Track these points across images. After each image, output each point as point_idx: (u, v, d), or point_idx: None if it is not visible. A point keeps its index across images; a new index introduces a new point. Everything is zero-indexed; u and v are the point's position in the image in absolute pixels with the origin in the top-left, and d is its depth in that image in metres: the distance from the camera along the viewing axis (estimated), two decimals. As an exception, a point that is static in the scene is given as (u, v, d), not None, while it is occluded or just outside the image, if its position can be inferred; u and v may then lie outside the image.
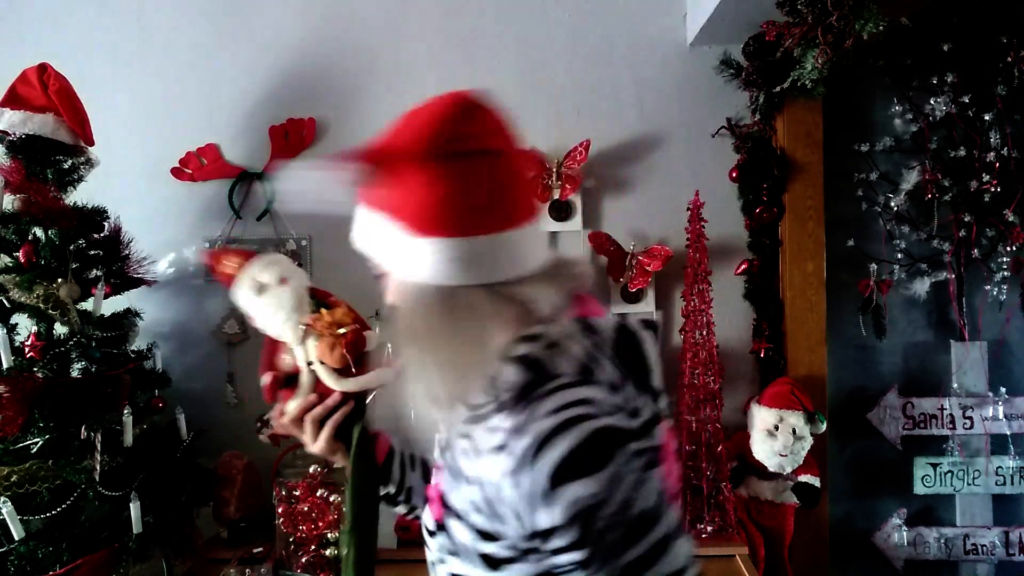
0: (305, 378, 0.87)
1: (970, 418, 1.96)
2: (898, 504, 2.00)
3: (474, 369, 0.65)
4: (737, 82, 1.88)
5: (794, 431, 1.70)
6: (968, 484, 1.97)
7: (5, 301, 1.52)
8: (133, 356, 1.69)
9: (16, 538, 1.36)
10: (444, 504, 0.73)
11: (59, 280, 1.51)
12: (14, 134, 1.52)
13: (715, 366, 1.77)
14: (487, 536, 0.66)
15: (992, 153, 1.89)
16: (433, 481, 0.80)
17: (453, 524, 0.70)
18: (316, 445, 0.87)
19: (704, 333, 1.78)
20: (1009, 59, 1.87)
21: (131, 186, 1.94)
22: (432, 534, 0.77)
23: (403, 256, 0.69)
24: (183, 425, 1.77)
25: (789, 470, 1.74)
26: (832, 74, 1.66)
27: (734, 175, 1.91)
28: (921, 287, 1.94)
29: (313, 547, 1.58)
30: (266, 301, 0.86)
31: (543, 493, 0.58)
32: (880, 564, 2.00)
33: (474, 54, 1.96)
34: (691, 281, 1.80)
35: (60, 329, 1.55)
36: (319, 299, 0.89)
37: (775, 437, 1.72)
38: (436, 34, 1.97)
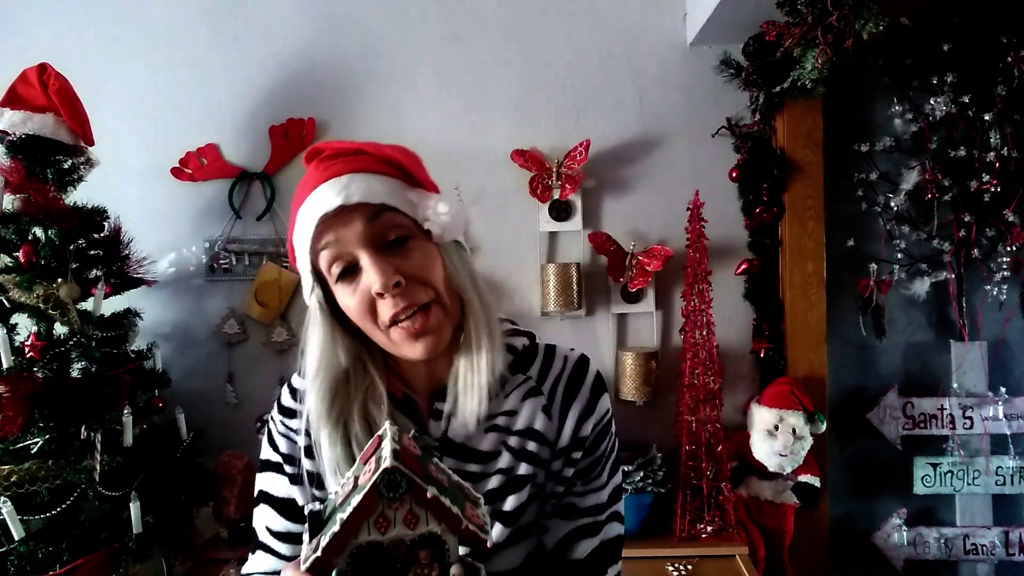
0: None
1: (970, 418, 1.96)
2: (898, 504, 2.00)
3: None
4: (737, 82, 1.88)
5: (794, 431, 1.71)
6: (968, 484, 1.97)
7: (5, 301, 1.52)
8: (133, 356, 1.69)
9: (16, 538, 1.36)
10: None
11: (59, 280, 1.51)
12: (14, 134, 1.52)
13: (715, 366, 1.77)
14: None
15: (992, 153, 1.89)
16: None
17: None
18: None
19: (704, 333, 1.78)
20: (1009, 59, 1.87)
21: (131, 186, 1.94)
22: None
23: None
24: (183, 425, 1.77)
25: (789, 470, 1.74)
26: (832, 74, 1.66)
27: (734, 175, 1.91)
28: (921, 287, 1.94)
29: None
30: None
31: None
32: (880, 564, 2.00)
33: (474, 54, 1.96)
34: (691, 281, 1.80)
35: (60, 329, 1.55)
36: None
37: (775, 437, 1.72)
38: (436, 34, 1.97)
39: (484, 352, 0.77)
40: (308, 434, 0.80)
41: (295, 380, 0.86)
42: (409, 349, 0.74)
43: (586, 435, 0.81)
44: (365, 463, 0.58)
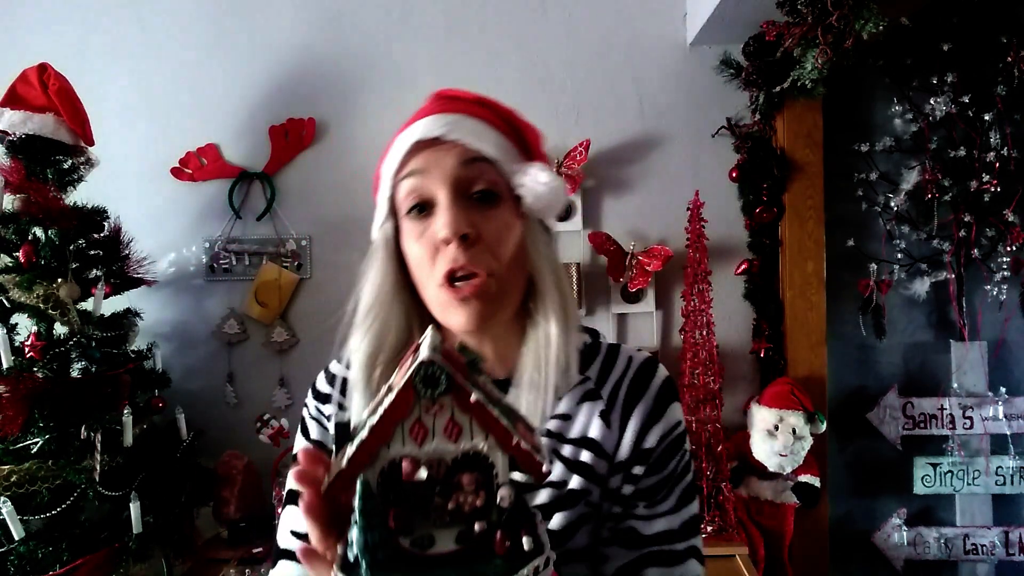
0: None
1: (970, 418, 1.96)
2: (898, 504, 2.00)
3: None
4: (737, 82, 1.88)
5: (794, 431, 1.70)
6: (968, 484, 1.97)
7: (5, 301, 1.52)
8: (133, 356, 1.69)
9: (16, 538, 1.36)
10: None
11: (59, 280, 1.51)
12: (14, 134, 1.52)
13: (715, 366, 1.77)
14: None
15: (992, 153, 1.89)
16: None
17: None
18: None
19: (704, 333, 1.78)
20: (1009, 59, 1.87)
21: (131, 186, 1.94)
22: None
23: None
24: (183, 425, 1.77)
25: (789, 470, 1.74)
26: (832, 74, 1.66)
27: (734, 175, 1.91)
28: (921, 287, 1.94)
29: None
30: None
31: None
32: (880, 564, 2.00)
33: (474, 54, 1.96)
34: (691, 281, 1.80)
35: (60, 329, 1.55)
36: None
37: (775, 437, 1.72)
38: (436, 34, 1.97)
39: (555, 347, 0.69)
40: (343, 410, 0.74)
41: (332, 366, 0.81)
42: (452, 315, 0.68)
43: (650, 447, 0.71)
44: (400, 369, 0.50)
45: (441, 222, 0.66)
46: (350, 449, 0.45)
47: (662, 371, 0.76)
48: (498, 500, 0.46)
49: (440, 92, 0.75)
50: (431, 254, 0.67)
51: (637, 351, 0.78)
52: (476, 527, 0.46)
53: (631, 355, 0.76)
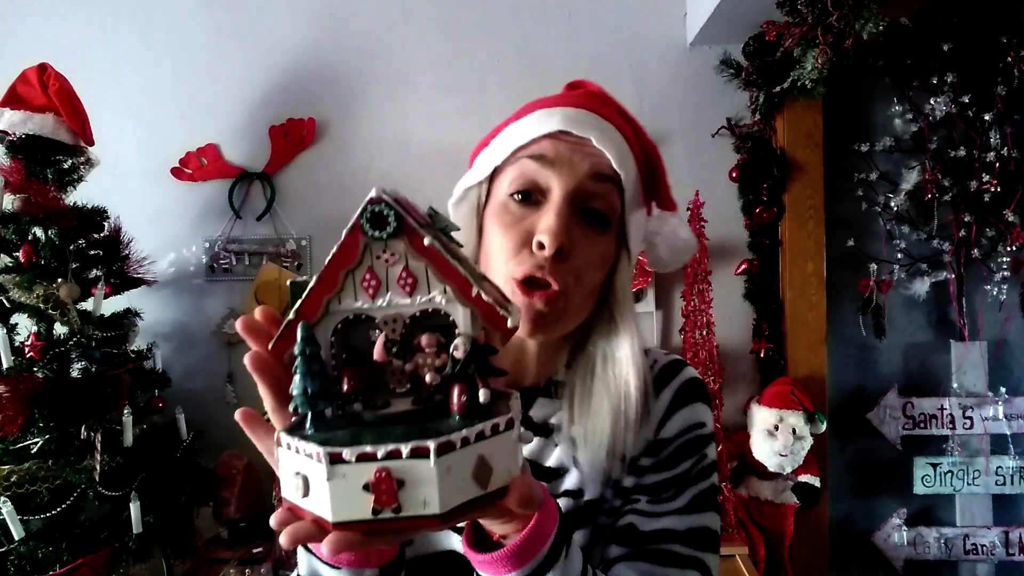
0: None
1: (970, 418, 1.96)
2: (898, 504, 2.00)
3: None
4: (737, 82, 1.88)
5: (794, 431, 1.70)
6: (968, 484, 1.97)
7: (5, 301, 1.52)
8: (133, 356, 1.69)
9: (16, 538, 1.36)
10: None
11: (59, 280, 1.51)
12: (14, 134, 1.52)
13: (715, 366, 1.77)
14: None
15: (992, 153, 1.89)
16: None
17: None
18: None
19: (704, 333, 1.78)
20: (1009, 59, 1.87)
21: (131, 186, 1.94)
22: None
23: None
24: (183, 425, 1.77)
25: (789, 470, 1.74)
26: (832, 74, 1.66)
27: (734, 175, 1.91)
28: (921, 287, 1.94)
29: (313, 547, 1.57)
30: None
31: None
32: (880, 564, 2.00)
33: (474, 54, 1.96)
34: (691, 281, 1.80)
35: (60, 329, 1.55)
36: None
37: (775, 437, 1.72)
38: (436, 34, 1.97)
39: (634, 400, 0.65)
40: None
41: None
42: None
43: (665, 438, 0.68)
44: None
45: (545, 225, 0.61)
46: (300, 302, 0.43)
47: (688, 372, 0.73)
48: (451, 350, 0.42)
49: (593, 87, 0.73)
50: (517, 246, 0.63)
51: (665, 353, 0.75)
52: (427, 378, 0.43)
53: (656, 358, 0.74)
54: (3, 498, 1.36)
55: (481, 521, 0.51)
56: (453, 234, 0.46)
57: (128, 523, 1.48)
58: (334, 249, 0.42)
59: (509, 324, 0.42)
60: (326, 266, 0.43)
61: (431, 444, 0.38)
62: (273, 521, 0.42)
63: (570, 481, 0.67)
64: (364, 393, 0.43)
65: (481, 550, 0.50)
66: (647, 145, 0.71)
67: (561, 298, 0.63)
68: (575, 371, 0.69)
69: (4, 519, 1.36)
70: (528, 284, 0.63)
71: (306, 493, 0.40)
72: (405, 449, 0.38)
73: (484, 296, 0.42)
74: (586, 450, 0.65)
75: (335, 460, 0.38)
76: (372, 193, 0.42)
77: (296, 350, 0.41)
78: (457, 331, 0.42)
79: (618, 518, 0.68)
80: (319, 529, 0.40)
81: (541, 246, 0.61)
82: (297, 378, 0.41)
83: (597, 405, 0.66)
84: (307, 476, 0.40)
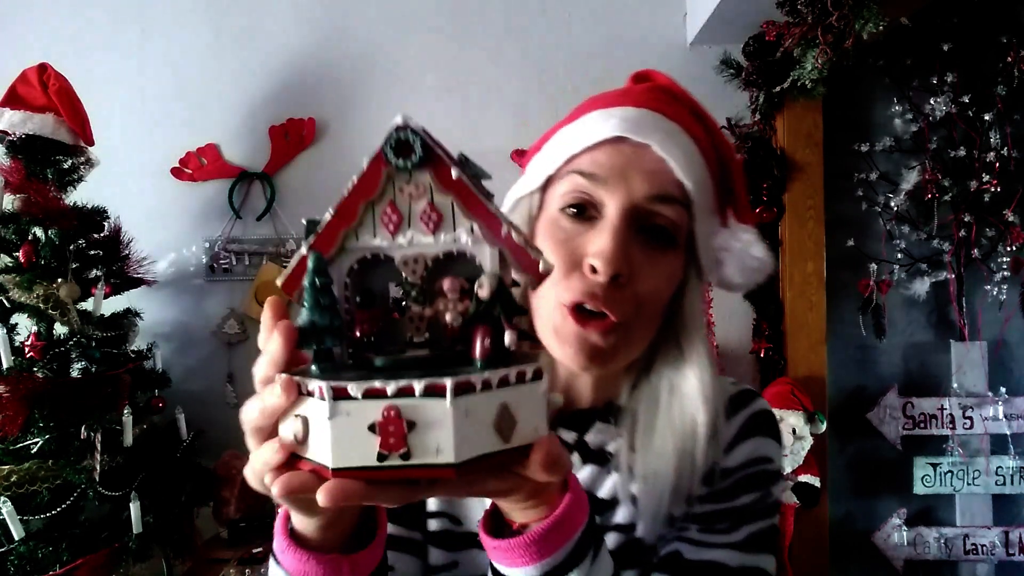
0: None
1: (970, 418, 1.96)
2: (898, 504, 2.00)
3: None
4: (737, 82, 1.88)
5: (794, 431, 1.70)
6: (968, 484, 1.97)
7: (5, 301, 1.52)
8: (133, 356, 1.69)
9: (16, 538, 1.36)
10: None
11: (59, 280, 1.51)
12: (14, 134, 1.52)
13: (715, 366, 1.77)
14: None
15: (992, 153, 1.89)
16: None
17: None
18: None
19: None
20: (1009, 59, 1.86)
21: (131, 186, 1.94)
22: None
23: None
24: (183, 425, 1.77)
25: (789, 470, 1.74)
26: (832, 74, 1.66)
27: (734, 175, 1.91)
28: (921, 287, 1.93)
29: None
30: None
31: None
32: (880, 564, 1.99)
33: (474, 54, 1.96)
34: (691, 281, 1.80)
35: (60, 329, 1.55)
36: None
37: (775, 437, 1.72)
38: (436, 34, 1.97)
39: (702, 414, 0.59)
40: None
41: None
42: (563, 344, 0.58)
43: (726, 468, 0.62)
44: None
45: (599, 248, 0.55)
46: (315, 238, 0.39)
47: (762, 403, 0.67)
48: (476, 287, 0.37)
49: (662, 79, 0.65)
50: (567, 267, 0.57)
51: (732, 382, 0.69)
52: (448, 318, 0.39)
53: (723, 387, 0.66)
54: (3, 498, 1.36)
55: (500, 504, 0.45)
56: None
57: (128, 523, 1.48)
58: (354, 178, 0.39)
59: (541, 268, 0.38)
60: (345, 196, 0.39)
61: (448, 382, 0.34)
62: (268, 477, 0.37)
63: (622, 515, 0.61)
64: (378, 339, 0.39)
65: (498, 536, 0.45)
66: (722, 147, 0.64)
67: (620, 329, 0.57)
68: (639, 399, 0.63)
69: (4, 519, 1.36)
70: (580, 311, 0.56)
71: (305, 439, 0.36)
72: (418, 386, 0.34)
73: (514, 236, 0.38)
74: (647, 491, 0.59)
75: (339, 396, 0.34)
76: (398, 119, 0.38)
77: (305, 281, 0.37)
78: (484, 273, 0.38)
79: (665, 545, 0.61)
80: (317, 479, 0.35)
81: (594, 270, 0.55)
82: (304, 311, 0.37)
83: (661, 444, 0.59)
84: (307, 418, 0.36)
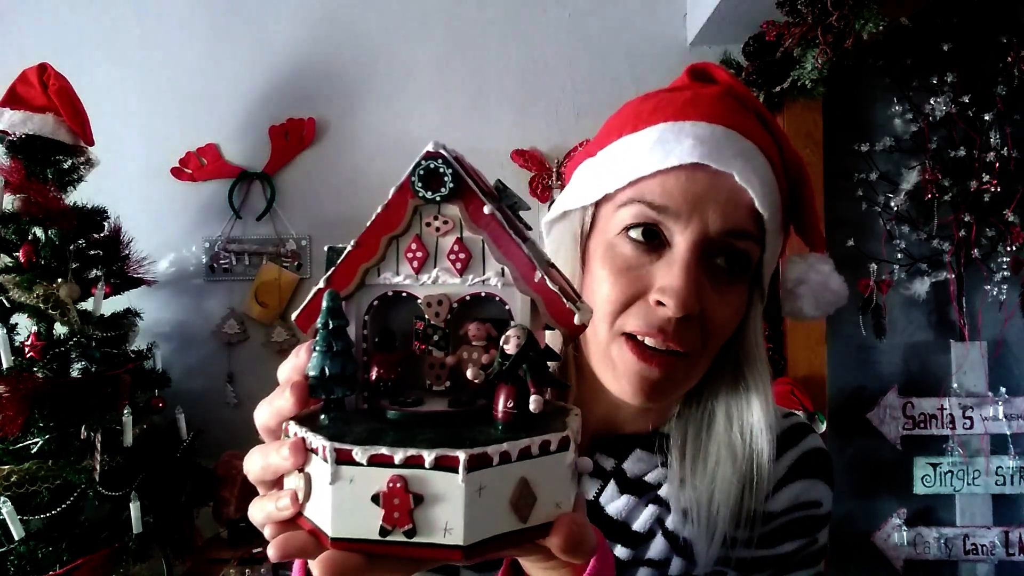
0: None
1: (970, 418, 1.96)
2: (898, 504, 1.99)
3: None
4: (737, 82, 1.88)
5: (794, 431, 1.70)
6: (968, 484, 1.97)
7: (5, 301, 1.52)
8: (133, 356, 1.69)
9: (16, 538, 1.36)
10: None
11: (59, 280, 1.51)
12: (14, 134, 1.52)
13: (715, 366, 1.77)
14: None
15: (992, 153, 1.89)
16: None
17: None
18: None
19: (704, 333, 1.78)
20: (1009, 59, 1.86)
21: (131, 186, 1.94)
22: None
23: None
24: (183, 425, 1.77)
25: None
26: (832, 74, 1.66)
27: (734, 175, 1.91)
28: (921, 287, 1.93)
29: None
30: None
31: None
32: (880, 564, 1.99)
33: (474, 54, 1.96)
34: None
35: (60, 329, 1.55)
36: None
37: (775, 437, 1.72)
38: (436, 34, 1.96)
39: (767, 445, 0.56)
40: None
41: None
42: (620, 377, 0.55)
43: (771, 512, 0.59)
44: None
45: (669, 284, 0.51)
46: (334, 270, 0.37)
47: (815, 440, 0.64)
48: (502, 342, 0.33)
49: (725, 78, 0.59)
50: (628, 297, 0.53)
51: (786, 415, 0.65)
52: (469, 374, 0.35)
53: (779, 419, 0.62)
54: (3, 498, 1.36)
55: (520, 561, 0.41)
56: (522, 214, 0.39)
57: (128, 523, 1.48)
58: (378, 209, 0.36)
59: (576, 320, 0.35)
60: (367, 228, 0.36)
61: (461, 455, 0.30)
62: (267, 532, 0.35)
63: (655, 549, 0.58)
64: (394, 385, 0.37)
65: None
66: (791, 163, 0.59)
67: (682, 364, 0.54)
68: (686, 425, 0.60)
69: (4, 519, 1.36)
70: (640, 344, 0.53)
71: (307, 496, 0.34)
72: (429, 457, 0.31)
73: (549, 284, 0.35)
74: (696, 518, 0.56)
75: (342, 459, 0.32)
76: (429, 146, 0.35)
77: (318, 322, 0.35)
78: (512, 323, 0.35)
79: None
80: (315, 543, 0.33)
81: (661, 305, 0.52)
82: (315, 356, 0.35)
83: (717, 470, 0.56)
84: (310, 475, 0.34)
